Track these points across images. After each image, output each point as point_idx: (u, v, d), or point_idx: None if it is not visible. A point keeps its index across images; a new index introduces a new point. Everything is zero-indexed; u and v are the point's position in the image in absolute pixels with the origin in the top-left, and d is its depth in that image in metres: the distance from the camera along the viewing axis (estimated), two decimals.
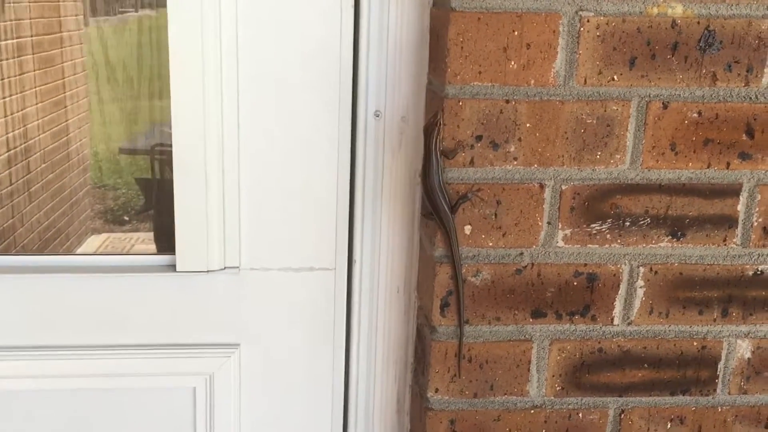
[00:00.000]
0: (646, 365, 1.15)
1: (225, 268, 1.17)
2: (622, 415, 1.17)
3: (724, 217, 1.10)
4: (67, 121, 2.37)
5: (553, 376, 1.14)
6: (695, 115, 1.05)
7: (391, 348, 1.24)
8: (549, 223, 1.08)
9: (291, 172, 1.14)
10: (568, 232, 1.08)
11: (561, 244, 1.09)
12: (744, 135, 1.07)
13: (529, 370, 1.13)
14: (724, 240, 1.11)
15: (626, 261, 1.10)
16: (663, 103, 1.04)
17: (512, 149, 1.04)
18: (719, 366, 1.16)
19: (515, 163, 1.05)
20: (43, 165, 2.28)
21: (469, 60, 1.00)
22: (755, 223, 1.10)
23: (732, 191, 1.09)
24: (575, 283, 1.10)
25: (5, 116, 2.13)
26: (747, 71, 1.04)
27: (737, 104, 1.05)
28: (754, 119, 1.06)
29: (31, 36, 2.20)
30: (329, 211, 1.17)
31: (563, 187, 1.06)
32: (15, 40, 2.13)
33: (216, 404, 1.21)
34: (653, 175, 1.07)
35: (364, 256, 1.20)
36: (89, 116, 2.43)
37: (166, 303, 1.17)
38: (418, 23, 1.11)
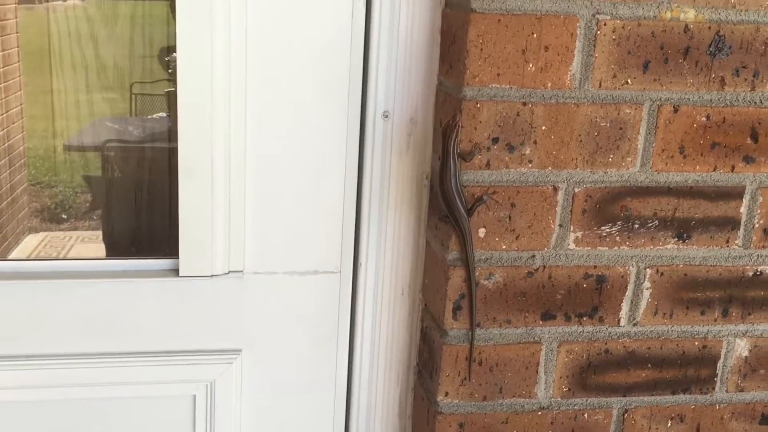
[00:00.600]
0: (649, 365, 1.17)
1: (229, 272, 1.14)
2: (626, 415, 1.18)
3: (728, 219, 1.12)
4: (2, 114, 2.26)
5: (561, 377, 1.15)
6: (704, 119, 1.07)
7: (395, 351, 1.23)
8: (561, 225, 1.08)
9: (298, 174, 1.12)
10: (579, 234, 1.09)
11: (572, 246, 1.09)
12: (749, 138, 1.09)
13: (537, 372, 1.14)
14: (727, 241, 1.13)
15: (634, 263, 1.11)
16: (674, 107, 1.06)
17: (527, 152, 1.04)
18: (718, 364, 1.19)
19: (530, 165, 1.05)
20: None
21: (488, 62, 1.00)
22: (756, 225, 1.13)
23: (736, 194, 1.11)
24: (585, 285, 1.11)
25: None
26: (753, 76, 1.06)
27: (743, 108, 1.07)
28: (759, 123, 1.08)
29: None
30: (336, 213, 1.15)
31: (576, 190, 1.07)
32: None
33: (217, 412, 1.18)
34: (662, 178, 1.08)
35: (369, 259, 1.18)
36: (24, 110, 2.32)
37: (167, 309, 1.13)
38: (429, 24, 1.09)
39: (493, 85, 1.01)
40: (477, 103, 1.01)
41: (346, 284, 1.18)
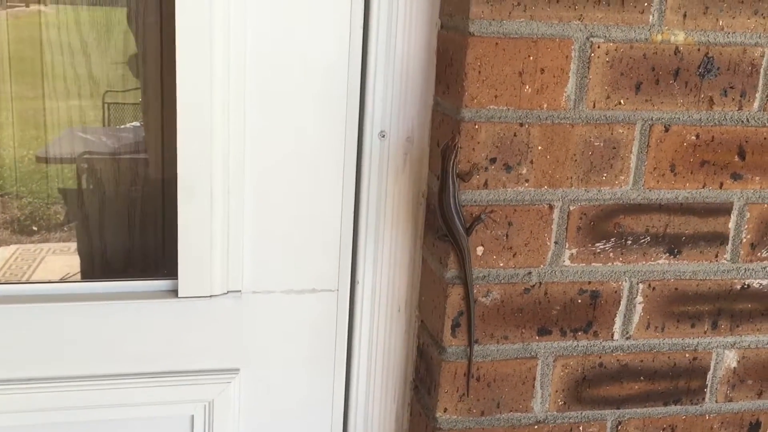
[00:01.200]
0: (642, 377, 1.19)
1: (228, 292, 1.14)
2: (619, 427, 1.21)
3: (717, 234, 1.15)
4: None
5: (556, 391, 1.16)
6: (693, 137, 1.10)
7: (391, 368, 1.24)
8: (556, 242, 1.10)
9: (296, 193, 1.13)
10: (574, 251, 1.11)
11: (567, 263, 1.11)
12: (736, 156, 1.12)
13: (534, 386, 1.15)
14: (716, 256, 1.16)
15: (627, 278, 1.14)
16: (665, 126, 1.08)
17: (524, 171, 1.06)
18: (708, 376, 1.22)
19: (527, 185, 1.07)
20: None
21: (486, 84, 1.01)
22: (744, 240, 1.16)
23: (724, 210, 1.14)
24: (579, 301, 1.13)
25: None
26: (741, 96, 1.09)
27: (731, 127, 1.10)
28: (746, 141, 1.11)
29: None
30: (333, 232, 1.15)
31: (571, 208, 1.09)
32: None
33: (215, 431, 1.18)
34: (654, 195, 1.11)
35: (366, 277, 1.19)
36: None
37: (166, 329, 1.13)
38: (425, 45, 1.11)
39: (491, 107, 1.02)
40: (475, 125, 1.03)
41: (344, 302, 1.19)
